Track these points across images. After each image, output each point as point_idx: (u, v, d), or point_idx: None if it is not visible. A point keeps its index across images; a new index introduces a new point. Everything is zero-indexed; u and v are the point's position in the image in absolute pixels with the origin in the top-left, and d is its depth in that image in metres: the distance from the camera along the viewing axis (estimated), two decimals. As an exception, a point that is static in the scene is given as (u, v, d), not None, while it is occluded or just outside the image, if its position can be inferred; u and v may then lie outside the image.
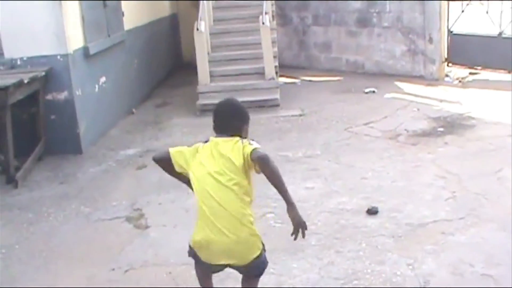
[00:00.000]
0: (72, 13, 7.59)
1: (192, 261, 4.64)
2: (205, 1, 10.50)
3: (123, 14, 9.82)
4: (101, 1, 8.66)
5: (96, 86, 8.43)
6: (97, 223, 5.64)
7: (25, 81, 6.72)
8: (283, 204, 5.44)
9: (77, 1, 7.76)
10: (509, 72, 10.90)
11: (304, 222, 3.37)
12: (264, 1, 10.38)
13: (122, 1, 9.79)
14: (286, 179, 6.00)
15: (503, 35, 10.82)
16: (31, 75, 6.97)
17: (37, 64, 7.31)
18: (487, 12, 10.92)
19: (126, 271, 4.67)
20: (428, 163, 6.59)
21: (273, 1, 11.73)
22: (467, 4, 11.43)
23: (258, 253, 3.45)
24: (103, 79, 8.68)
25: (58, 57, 7.36)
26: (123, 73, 9.80)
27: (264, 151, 3.33)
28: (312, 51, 13.05)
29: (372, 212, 5.29)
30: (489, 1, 11.09)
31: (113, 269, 4.69)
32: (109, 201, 6.10)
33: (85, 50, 7.93)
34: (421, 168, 6.45)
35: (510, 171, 6.16)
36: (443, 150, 7.05)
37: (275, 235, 4.95)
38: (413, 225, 5.05)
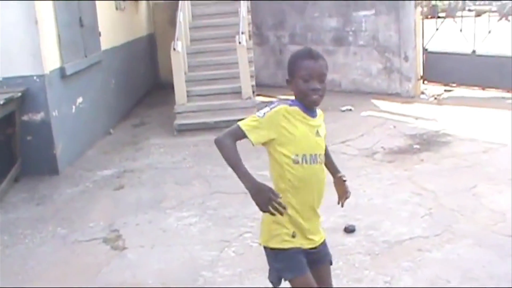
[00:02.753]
0: (48, 33, 7.57)
1: (169, 281, 4.66)
2: (181, 21, 10.54)
3: (100, 34, 9.82)
4: (78, 21, 8.65)
5: (73, 106, 8.40)
6: (74, 244, 5.59)
7: (1, 102, 6.68)
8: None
9: (54, 21, 7.75)
10: (483, 89, 11.06)
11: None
12: (241, 21, 10.44)
13: (99, 21, 9.78)
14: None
15: (477, 53, 10.97)
16: (6, 96, 6.92)
17: (13, 85, 7.27)
18: (461, 30, 11.07)
19: (103, 293, 4.64)
20: (404, 180, 6.64)
21: (250, 21, 11.79)
22: (441, 22, 11.59)
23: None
24: (80, 99, 8.65)
25: (35, 77, 7.32)
26: (101, 93, 9.78)
27: (232, 128, 2.98)
28: (289, 70, 13.06)
29: (349, 230, 5.31)
30: (463, 19, 11.26)
31: (91, 291, 4.66)
32: (86, 223, 6.06)
33: (61, 71, 7.90)
34: (398, 186, 6.49)
35: (485, 187, 6.24)
36: (419, 167, 7.10)
37: (252, 255, 4.96)
38: (390, 242, 5.07)
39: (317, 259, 3.12)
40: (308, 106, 2.98)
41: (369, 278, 4.49)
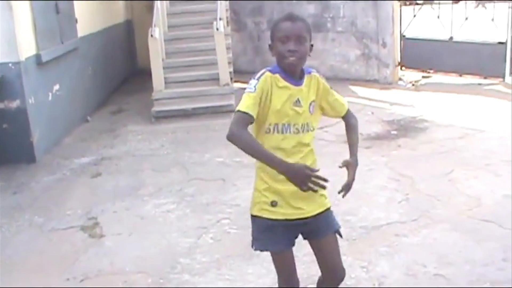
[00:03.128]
0: (24, 20, 7.48)
1: (147, 268, 4.66)
2: (159, 7, 10.47)
3: (76, 21, 9.72)
4: (54, 8, 8.56)
5: (50, 94, 8.33)
6: (51, 233, 5.55)
7: (-24, 90, 6.62)
8: (238, 209, 5.54)
9: (29, 8, 7.65)
10: (460, 75, 11.13)
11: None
12: (218, 7, 10.40)
13: (75, 8, 9.68)
14: (242, 184, 6.12)
15: (454, 40, 11.04)
16: (-19, 83, 6.86)
17: (-12, 72, 7.20)
18: (438, 17, 11.12)
19: (81, 280, 4.61)
20: (381, 166, 6.68)
21: (228, 7, 11.75)
22: (419, 9, 11.65)
23: None
24: (56, 86, 8.57)
25: (10, 64, 7.24)
26: (77, 81, 9.70)
27: (236, 117, 2.83)
28: (267, 56, 12.89)
29: (327, 216, 5.33)
30: (440, 6, 11.32)
31: (68, 279, 4.62)
32: (63, 211, 6.02)
33: (37, 58, 7.82)
34: (375, 171, 6.53)
35: (461, 172, 6.30)
36: (397, 153, 7.15)
37: (230, 241, 4.98)
38: (367, 228, 5.11)
39: (315, 230, 3.08)
40: (287, 71, 2.91)
41: (346, 263, 4.47)
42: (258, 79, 2.87)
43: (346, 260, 4.54)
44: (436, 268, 4.41)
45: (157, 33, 9.91)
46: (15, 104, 7.37)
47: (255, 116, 2.83)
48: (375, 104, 9.71)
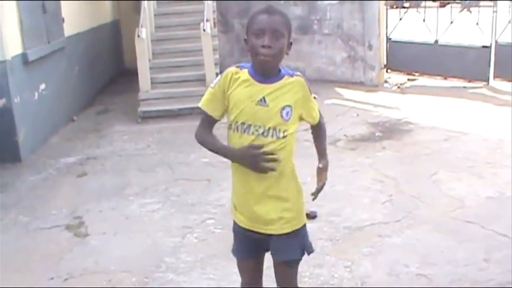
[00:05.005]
0: (10, 19, 7.46)
1: (131, 267, 4.68)
2: (146, 8, 10.47)
3: (63, 20, 9.70)
4: (41, 7, 8.54)
5: (36, 93, 8.30)
6: (36, 232, 5.55)
7: (-39, 89, 6.59)
8: (223, 210, 5.56)
9: (15, 7, 7.64)
10: (445, 78, 11.22)
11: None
12: (206, 8, 10.41)
13: (62, 7, 9.66)
14: (227, 185, 6.13)
15: (439, 43, 11.12)
16: (-33, 82, 6.83)
17: (-26, 71, 7.17)
18: (424, 20, 11.20)
19: (65, 279, 4.61)
20: (366, 168, 6.73)
21: (215, 8, 11.76)
22: (405, 12, 11.73)
23: None
24: (42, 86, 8.55)
25: (-5, 63, 7.24)
26: (64, 80, 9.68)
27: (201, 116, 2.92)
28: (254, 57, 13.07)
29: (311, 216, 5.35)
30: (426, 10, 11.41)
31: (52, 278, 4.63)
32: (48, 210, 6.01)
33: (23, 57, 7.79)
34: (360, 173, 6.58)
35: (445, 174, 6.36)
36: (381, 154, 7.20)
37: (215, 241, 5.00)
38: (351, 228, 5.15)
39: (273, 249, 2.92)
40: (259, 67, 2.71)
41: (330, 263, 4.55)
42: (221, 75, 2.79)
43: (330, 260, 4.61)
44: (419, 268, 4.45)
45: (144, 33, 9.92)
46: (0, 103, 7.35)
47: (209, 112, 2.81)
48: (361, 106, 9.76)
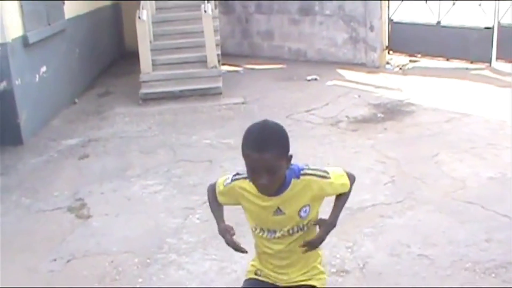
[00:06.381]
0: (10, 1, 7.43)
1: (134, 248, 4.70)
2: (147, -11, 10.43)
3: (63, 3, 9.67)
4: (40, -11, 8.51)
5: (37, 75, 8.29)
6: (38, 214, 5.57)
7: (-38, 71, 6.58)
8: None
9: (15, -11, 7.62)
10: (447, 60, 11.17)
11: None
12: (207, -11, 10.37)
13: (62, -11, 9.63)
14: (228, 166, 6.16)
15: (441, 24, 11.06)
16: (-33, 64, 6.82)
17: (-26, 54, 7.15)
18: (426, 2, 11.13)
19: (68, 261, 4.64)
20: (368, 149, 6.72)
21: (216, -10, 11.71)
22: (407, -7, 11.67)
23: None
24: (43, 68, 8.53)
25: (-4, 46, 7.22)
26: (65, 63, 9.66)
27: (214, 184, 2.86)
28: (255, 39, 13.08)
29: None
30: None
31: (55, 259, 4.66)
32: (50, 192, 6.03)
33: (24, 39, 7.77)
34: (361, 154, 6.58)
35: (446, 155, 6.35)
36: (383, 136, 7.19)
37: (217, 222, 5.01)
38: (353, 209, 5.14)
39: None
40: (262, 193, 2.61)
41: (331, 244, 4.55)
42: (232, 180, 2.69)
43: (331, 240, 4.59)
44: (420, 248, 4.47)
45: (145, 15, 9.88)
46: (1, 85, 7.34)
47: (219, 200, 2.79)
48: (362, 88, 9.73)
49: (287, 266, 2.78)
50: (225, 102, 9.18)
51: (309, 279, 2.82)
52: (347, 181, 2.80)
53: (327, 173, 2.69)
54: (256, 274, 2.88)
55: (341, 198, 2.83)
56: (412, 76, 10.49)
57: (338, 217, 2.85)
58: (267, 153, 2.42)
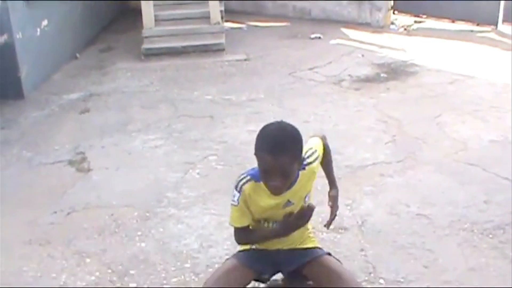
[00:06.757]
0: (12, -48, 7.34)
1: (133, 202, 4.72)
2: None
3: (66, -44, 9.54)
4: None
5: (38, 29, 8.21)
6: (39, 167, 5.58)
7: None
8: (226, 146, 5.58)
9: None
10: (453, 22, 11.06)
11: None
12: None
13: None
14: (229, 122, 6.15)
15: (448, -16, 10.94)
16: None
17: (-26, 6, 7.08)
18: (433, -39, 10.99)
19: (68, 213, 4.66)
20: (370, 108, 6.69)
21: None
22: (414, -48, 11.50)
23: None
24: (45, 22, 8.45)
25: (-3, -2, 7.14)
26: (66, 17, 9.55)
27: (234, 231, 2.93)
28: (259, -3, 12.94)
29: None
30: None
31: (55, 212, 4.68)
32: (51, 146, 6.03)
33: (25, -8, 7.70)
34: (363, 113, 6.55)
35: (449, 116, 6.33)
36: (385, 95, 7.15)
37: (216, 177, 5.03)
38: (353, 167, 5.16)
39: (301, 259, 2.93)
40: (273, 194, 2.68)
41: (331, 201, 4.57)
42: (239, 191, 2.72)
43: (331, 198, 4.61)
44: (419, 208, 4.48)
45: (148, -31, 9.76)
46: (2, 39, 7.28)
47: (243, 225, 2.80)
48: (366, 47, 9.64)
49: (285, 241, 2.87)
50: (227, 58, 9.12)
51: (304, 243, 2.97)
52: (321, 146, 2.98)
53: (316, 151, 2.85)
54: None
55: (328, 163, 3.08)
56: (417, 37, 10.38)
57: (336, 182, 3.10)
58: (282, 156, 2.48)
